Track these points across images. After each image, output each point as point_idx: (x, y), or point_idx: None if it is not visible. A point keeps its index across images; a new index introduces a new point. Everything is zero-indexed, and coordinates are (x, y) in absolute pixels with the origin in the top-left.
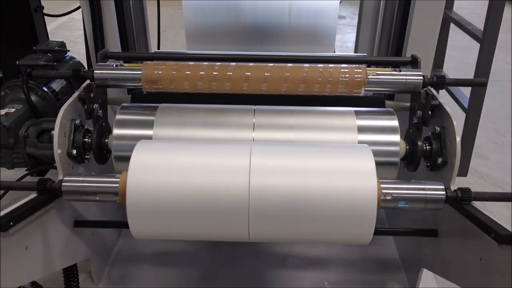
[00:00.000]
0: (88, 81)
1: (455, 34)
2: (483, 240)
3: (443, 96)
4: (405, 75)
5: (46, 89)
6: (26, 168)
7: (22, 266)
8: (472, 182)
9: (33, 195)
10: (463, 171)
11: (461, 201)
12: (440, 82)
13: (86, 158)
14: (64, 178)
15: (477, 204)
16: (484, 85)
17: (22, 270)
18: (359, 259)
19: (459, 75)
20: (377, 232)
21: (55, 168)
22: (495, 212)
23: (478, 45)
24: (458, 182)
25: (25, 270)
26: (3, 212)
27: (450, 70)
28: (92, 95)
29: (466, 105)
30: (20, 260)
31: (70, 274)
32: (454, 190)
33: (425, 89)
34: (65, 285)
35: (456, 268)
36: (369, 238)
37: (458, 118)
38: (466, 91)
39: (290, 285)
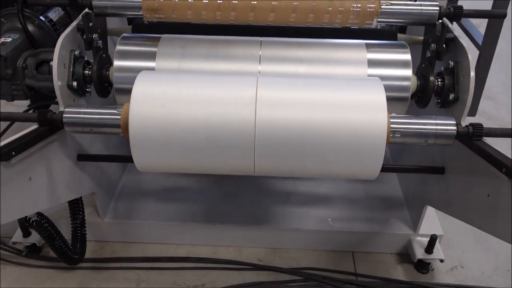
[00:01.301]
0: (86, 10)
1: None
2: (492, 175)
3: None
4: (421, 5)
5: (43, 18)
6: (27, 105)
7: (26, 197)
8: (479, 122)
9: (34, 126)
10: (473, 111)
11: (472, 136)
12: (458, 13)
13: (87, 91)
14: (65, 110)
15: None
16: (503, 16)
17: (26, 200)
18: (362, 196)
19: None
20: (383, 169)
21: (57, 103)
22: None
23: None
24: (466, 122)
25: (29, 201)
26: (4, 142)
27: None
28: (91, 24)
29: (480, 42)
30: (24, 191)
31: (76, 207)
32: (466, 126)
33: (440, 21)
34: (71, 218)
35: (461, 204)
36: (376, 172)
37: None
38: (481, 29)
39: (293, 221)
